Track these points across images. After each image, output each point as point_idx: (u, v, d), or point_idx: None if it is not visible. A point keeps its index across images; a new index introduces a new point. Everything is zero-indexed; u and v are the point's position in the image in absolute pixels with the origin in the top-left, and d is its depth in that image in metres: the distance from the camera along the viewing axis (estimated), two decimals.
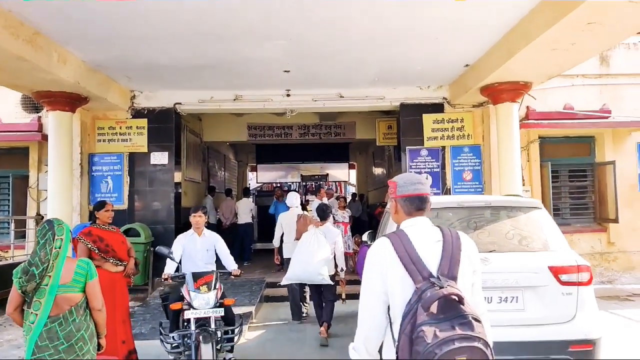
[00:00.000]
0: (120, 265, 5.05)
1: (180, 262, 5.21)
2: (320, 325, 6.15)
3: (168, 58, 7.27)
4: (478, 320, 1.80)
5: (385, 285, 1.94)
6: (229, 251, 5.43)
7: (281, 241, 7.62)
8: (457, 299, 1.81)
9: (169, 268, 5.06)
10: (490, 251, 3.75)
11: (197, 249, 5.23)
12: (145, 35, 6.32)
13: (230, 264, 5.32)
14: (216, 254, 5.39)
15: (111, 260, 4.96)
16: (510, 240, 3.87)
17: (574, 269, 3.64)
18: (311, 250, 5.98)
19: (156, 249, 5.14)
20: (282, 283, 6.51)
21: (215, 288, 4.73)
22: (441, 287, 1.82)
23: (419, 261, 1.91)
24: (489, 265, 3.58)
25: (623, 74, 9.16)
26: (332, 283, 6.13)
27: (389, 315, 1.96)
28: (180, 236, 5.43)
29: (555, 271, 3.62)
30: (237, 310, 7.01)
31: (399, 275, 1.91)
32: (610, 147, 9.07)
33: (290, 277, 6.22)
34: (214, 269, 5.16)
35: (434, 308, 1.79)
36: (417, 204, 2.10)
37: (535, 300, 3.65)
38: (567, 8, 4.99)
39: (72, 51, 6.98)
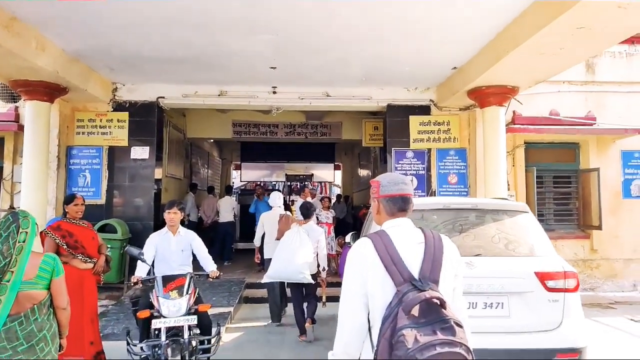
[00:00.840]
0: (90, 262, 4.85)
1: (153, 264, 4.77)
2: (301, 333, 6.09)
3: (150, 49, 7.07)
4: (460, 325, 1.77)
5: (366, 287, 1.89)
6: (207, 251, 4.97)
7: (262, 241, 7.45)
8: (438, 302, 1.77)
9: (140, 270, 4.59)
10: (476, 255, 3.65)
11: (172, 249, 4.76)
12: (126, 23, 6.13)
13: (208, 265, 4.87)
14: (194, 255, 4.97)
15: (79, 257, 4.75)
16: (497, 245, 3.78)
17: (560, 275, 3.56)
18: (293, 248, 5.89)
19: (126, 249, 4.73)
20: (262, 281, 6.40)
21: (187, 293, 4.26)
22: (423, 290, 1.78)
23: (401, 263, 1.87)
24: (475, 270, 3.48)
25: (608, 81, 9.18)
26: (313, 282, 6.04)
27: (368, 318, 1.91)
28: (153, 235, 4.93)
29: (542, 277, 3.54)
30: (214, 311, 6.89)
31: (379, 276, 1.86)
32: (595, 154, 9.08)
33: (272, 275, 6.10)
34: (190, 270, 4.74)
35: (415, 311, 1.75)
36: (400, 205, 2.06)
37: (521, 306, 3.56)
38: (556, 11, 4.94)
39: (52, 39, 6.74)
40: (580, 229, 9.06)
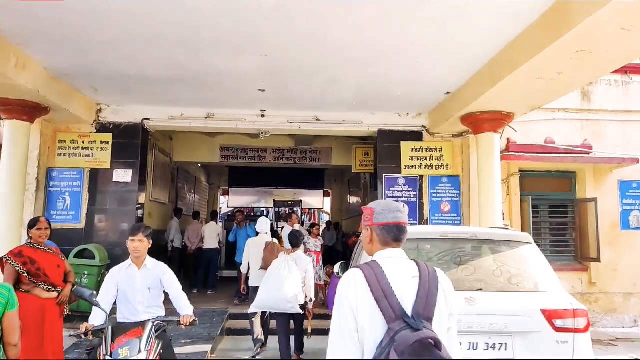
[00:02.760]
0: (54, 291, 4.47)
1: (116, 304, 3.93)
2: (286, 358, 5.90)
3: (135, 68, 6.83)
4: None
5: (357, 323, 1.76)
6: (180, 287, 4.03)
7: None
8: (433, 343, 1.66)
9: (95, 317, 3.62)
10: (477, 290, 3.34)
11: (136, 287, 3.83)
12: (110, 40, 5.88)
13: (182, 307, 3.90)
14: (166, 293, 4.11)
15: (42, 285, 4.38)
16: (499, 279, 3.47)
17: (569, 314, 3.24)
18: (281, 278, 5.71)
19: (73, 290, 3.83)
20: (249, 311, 6.17)
21: (145, 349, 3.37)
22: (417, 329, 1.67)
23: (393, 297, 1.75)
24: (475, 306, 3.17)
25: (604, 110, 9.06)
26: (301, 312, 5.83)
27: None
28: (113, 270, 3.96)
29: (549, 315, 3.22)
30: (193, 346, 6.49)
31: (370, 312, 1.74)
32: (592, 184, 8.88)
33: (259, 304, 5.90)
34: (162, 313, 3.92)
35: (408, 352, 1.62)
36: (395, 234, 1.95)
37: (527, 348, 3.23)
38: (555, 35, 4.75)
39: (33, 56, 6.49)
40: (577, 261, 8.79)
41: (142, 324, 3.52)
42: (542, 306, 3.27)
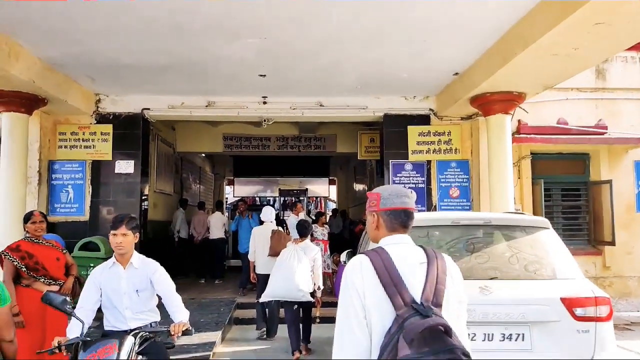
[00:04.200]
0: (54, 284, 4.36)
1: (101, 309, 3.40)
2: (295, 349, 5.89)
3: (131, 56, 6.63)
4: (467, 356, 1.62)
5: (365, 310, 1.71)
6: (174, 288, 3.46)
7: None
8: (443, 329, 1.62)
9: (72, 328, 3.06)
10: (491, 278, 3.14)
11: (121, 290, 3.28)
12: (101, 29, 5.68)
13: (176, 312, 3.32)
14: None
15: (42, 279, 4.27)
16: (515, 266, 3.26)
17: (591, 302, 3.04)
18: (291, 267, 5.76)
19: (42, 297, 3.10)
20: (260, 300, 6.21)
21: None
22: (426, 316, 1.62)
23: (402, 284, 1.70)
24: (491, 296, 2.98)
25: (620, 88, 8.72)
26: (312, 300, 5.87)
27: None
28: (95, 271, 3.40)
29: (569, 303, 3.02)
30: (200, 337, 6.37)
31: (377, 299, 1.70)
32: (606, 165, 8.60)
33: (269, 294, 5.94)
34: (156, 319, 3.41)
35: (417, 340, 1.58)
36: (402, 219, 1.90)
37: (545, 338, 3.03)
38: (572, 6, 4.46)
39: (25, 46, 6.30)
40: (591, 245, 8.55)
41: (121, 339, 2.92)
42: (561, 294, 3.06)
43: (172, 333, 3.08)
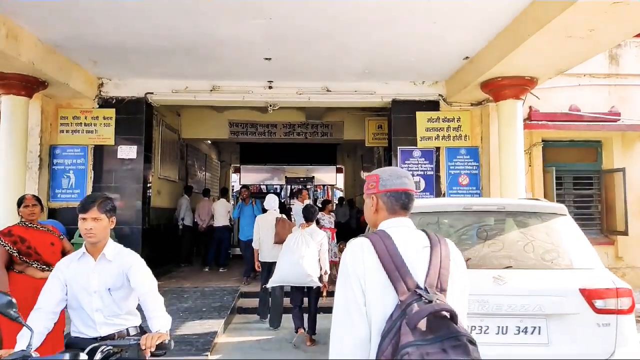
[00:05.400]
0: (48, 270, 4.22)
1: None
2: (298, 327, 5.96)
3: (133, 38, 6.48)
4: (473, 343, 1.52)
5: (364, 296, 1.62)
6: (155, 287, 2.76)
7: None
8: (449, 315, 1.53)
9: (21, 338, 2.41)
10: (506, 267, 2.97)
11: (91, 287, 2.68)
12: (101, 8, 5.53)
13: (155, 319, 2.62)
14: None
15: (34, 265, 4.14)
16: (530, 254, 3.09)
17: (612, 293, 2.86)
18: (299, 252, 5.73)
19: None
20: (267, 286, 6.20)
21: None
22: (430, 301, 1.53)
23: (405, 268, 1.61)
24: (505, 286, 2.81)
25: (634, 74, 8.47)
26: (320, 285, 5.82)
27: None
28: (60, 264, 2.80)
29: (589, 295, 2.85)
30: (202, 325, 6.28)
31: (379, 284, 1.60)
32: (619, 153, 8.37)
33: (277, 279, 5.91)
34: (133, 325, 2.79)
35: (421, 326, 1.50)
36: (403, 201, 1.81)
37: (563, 332, 2.86)
38: None
39: (24, 26, 6.16)
40: (603, 235, 8.35)
41: (74, 356, 2.19)
42: (580, 285, 2.89)
43: (144, 347, 2.35)
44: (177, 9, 5.54)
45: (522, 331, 2.87)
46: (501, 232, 3.23)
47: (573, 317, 2.86)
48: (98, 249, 2.72)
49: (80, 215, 2.64)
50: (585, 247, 3.16)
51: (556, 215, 3.30)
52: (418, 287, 1.59)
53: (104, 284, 2.69)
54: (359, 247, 1.69)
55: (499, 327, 2.82)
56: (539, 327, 2.87)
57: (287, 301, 6.65)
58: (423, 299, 1.55)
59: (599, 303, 2.84)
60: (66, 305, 2.73)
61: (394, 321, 1.54)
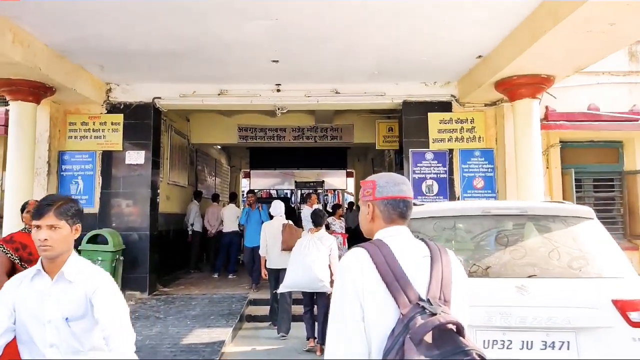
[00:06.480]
0: None
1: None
2: (310, 337, 5.90)
3: (137, 42, 6.38)
4: (483, 358, 1.42)
5: (363, 311, 1.51)
6: (120, 318, 2.14)
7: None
8: (455, 329, 1.45)
9: None
10: (530, 276, 2.74)
11: (44, 316, 2.12)
12: (104, 11, 5.43)
13: (116, 348, 2.09)
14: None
15: None
16: (556, 262, 2.85)
17: None
18: (310, 257, 5.66)
19: None
20: (279, 291, 6.08)
21: None
22: (434, 314, 1.44)
23: (405, 280, 1.52)
24: (529, 296, 2.59)
25: None
26: (331, 290, 5.59)
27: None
28: (10, 281, 2.26)
29: (622, 307, 2.61)
30: (210, 334, 6.11)
31: (378, 297, 1.50)
32: None
33: (289, 284, 5.80)
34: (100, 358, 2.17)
35: (427, 341, 1.40)
36: (400, 209, 1.73)
37: (595, 347, 2.62)
38: None
39: (30, 31, 6.11)
40: (626, 239, 8.04)
41: None
42: (613, 296, 2.65)
43: None
44: (179, 11, 5.44)
45: (549, 346, 2.63)
46: (523, 238, 3.00)
47: (605, 331, 2.62)
48: (57, 266, 2.16)
49: (34, 222, 2.12)
50: (616, 254, 2.92)
51: (583, 219, 3.07)
52: (420, 299, 1.51)
53: (61, 311, 2.11)
54: (354, 258, 1.59)
55: (523, 341, 2.59)
56: (568, 341, 2.63)
57: (295, 309, 6.49)
58: (426, 311, 1.46)
59: (634, 315, 2.60)
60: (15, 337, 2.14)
61: (396, 337, 1.45)
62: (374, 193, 1.76)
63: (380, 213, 1.74)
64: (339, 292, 1.58)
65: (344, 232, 9.20)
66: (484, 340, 2.62)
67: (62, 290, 2.14)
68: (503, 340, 2.63)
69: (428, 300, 1.51)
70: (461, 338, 1.45)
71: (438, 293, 1.54)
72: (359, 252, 1.61)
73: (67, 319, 2.11)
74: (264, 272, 6.94)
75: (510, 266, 2.79)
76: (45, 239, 2.09)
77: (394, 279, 1.52)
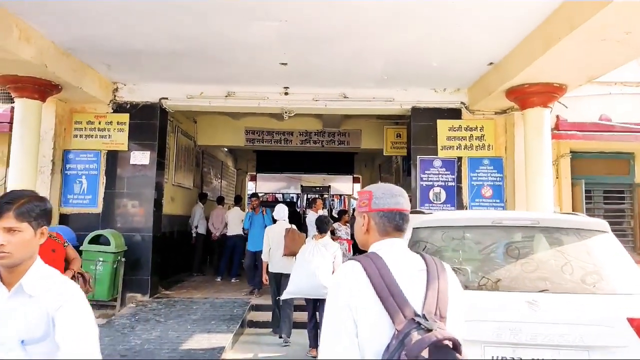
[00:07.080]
0: None
1: None
2: (313, 347, 5.86)
3: (143, 41, 6.32)
4: None
5: (356, 326, 1.48)
6: (87, 343, 1.69)
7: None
8: (451, 345, 1.42)
9: None
10: (541, 291, 2.63)
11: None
12: (109, 8, 5.36)
13: None
14: None
15: None
16: (569, 277, 2.74)
17: None
18: (314, 263, 5.64)
19: None
20: (282, 297, 6.04)
21: None
22: (430, 330, 1.41)
23: (400, 295, 1.49)
24: (541, 313, 2.47)
25: None
26: None
27: None
28: None
29: (638, 326, 2.49)
30: (210, 340, 6.01)
31: (373, 313, 1.47)
32: None
33: (293, 290, 5.75)
34: None
35: (423, 356, 1.38)
36: (397, 222, 1.70)
37: None
38: None
39: (37, 28, 6.06)
40: (637, 253, 7.87)
41: None
42: (628, 313, 2.53)
43: None
44: (184, 10, 5.36)
45: None
46: (535, 250, 2.89)
47: (620, 351, 2.51)
48: (15, 276, 1.79)
49: None
50: (631, 269, 2.80)
51: (597, 233, 2.95)
52: (416, 314, 1.48)
53: (17, 332, 1.72)
54: (349, 272, 1.55)
55: (533, 359, 2.48)
56: None
57: (297, 315, 6.40)
58: (422, 327, 1.43)
59: None
60: None
61: (391, 353, 1.42)
62: (369, 204, 1.73)
63: (375, 225, 1.72)
64: (331, 307, 1.54)
65: (349, 238, 9.09)
66: (493, 357, 2.51)
67: (19, 306, 1.75)
68: (513, 358, 2.52)
69: (424, 316, 1.48)
70: (457, 355, 1.43)
71: (434, 308, 1.51)
72: (353, 266, 1.57)
73: (22, 341, 1.72)
74: (265, 278, 6.86)
75: (521, 280, 2.68)
76: (2, 244, 1.74)
77: (388, 294, 1.49)
